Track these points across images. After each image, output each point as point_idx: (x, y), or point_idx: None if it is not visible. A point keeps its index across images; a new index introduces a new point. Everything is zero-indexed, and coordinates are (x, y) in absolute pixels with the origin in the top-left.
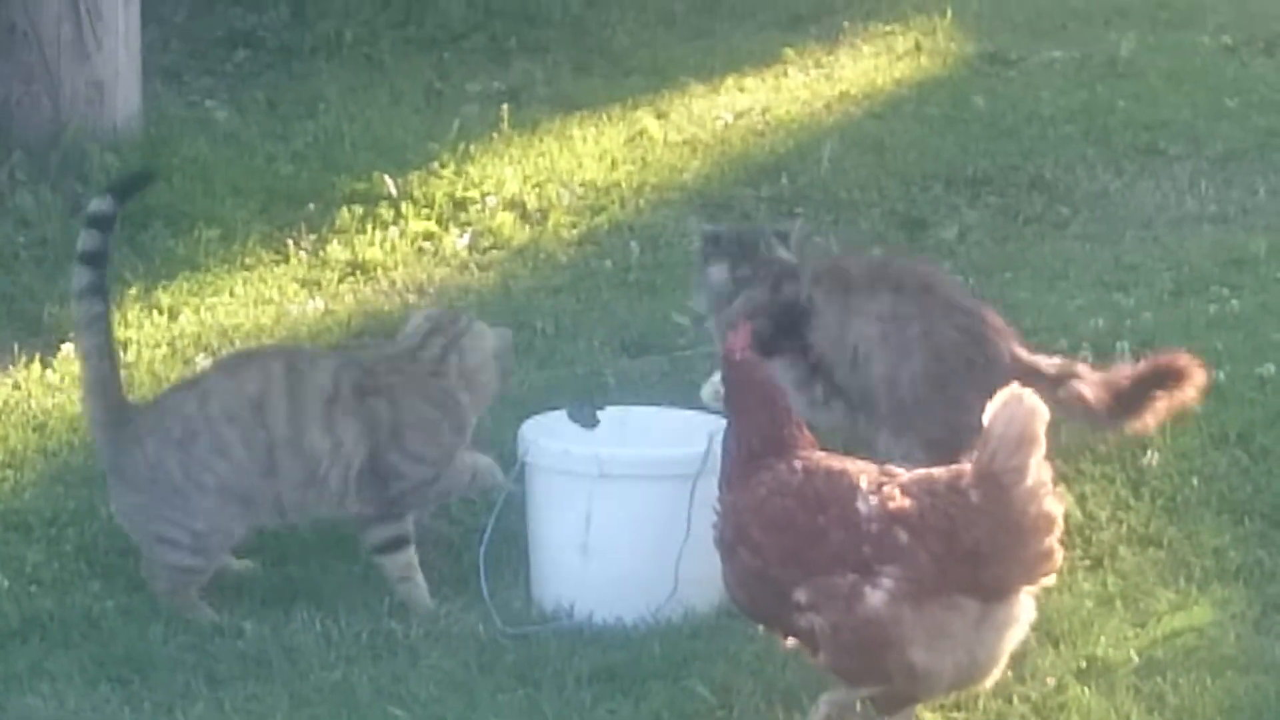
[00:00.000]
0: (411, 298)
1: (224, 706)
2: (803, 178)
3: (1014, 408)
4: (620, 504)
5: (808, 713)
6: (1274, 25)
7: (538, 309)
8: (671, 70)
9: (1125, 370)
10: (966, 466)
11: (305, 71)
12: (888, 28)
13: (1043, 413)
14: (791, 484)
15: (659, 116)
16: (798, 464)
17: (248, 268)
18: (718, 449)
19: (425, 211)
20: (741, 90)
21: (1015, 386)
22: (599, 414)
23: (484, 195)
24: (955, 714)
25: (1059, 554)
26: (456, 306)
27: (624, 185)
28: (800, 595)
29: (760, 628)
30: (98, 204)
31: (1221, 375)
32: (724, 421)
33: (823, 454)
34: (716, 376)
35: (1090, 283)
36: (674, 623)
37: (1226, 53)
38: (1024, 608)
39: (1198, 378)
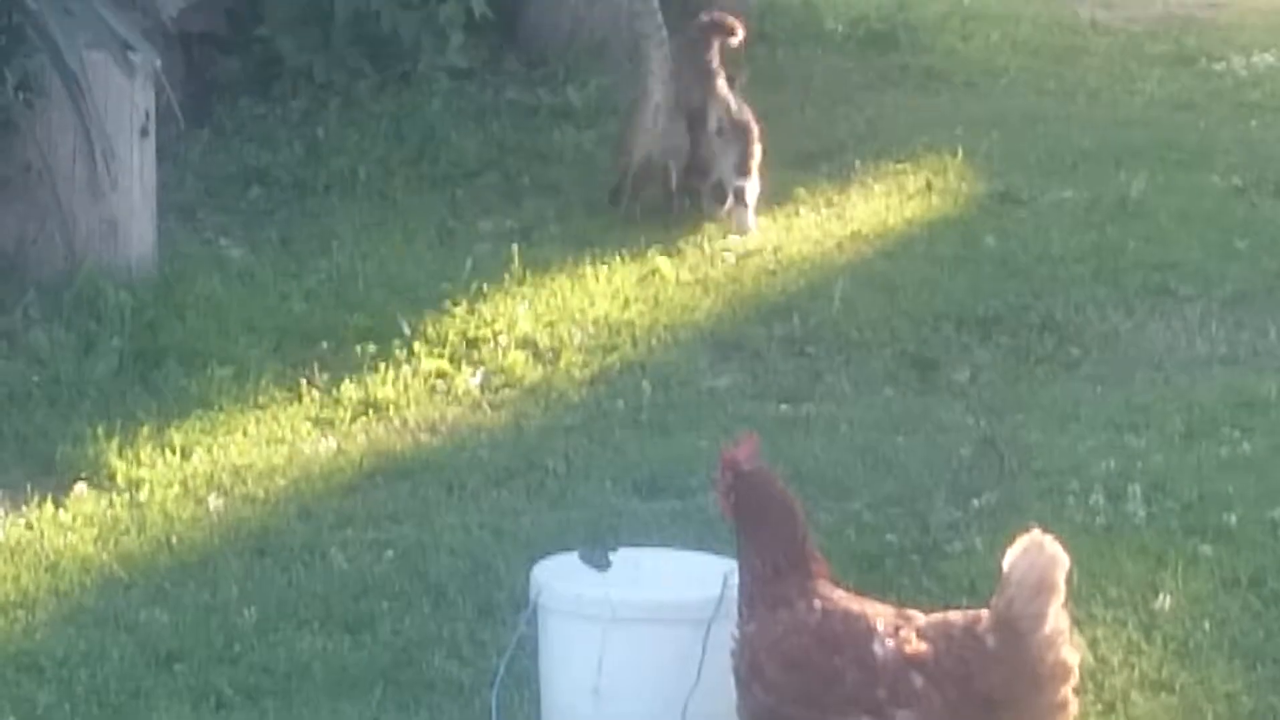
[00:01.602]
0: (424, 437)
1: None
2: (814, 317)
3: (1034, 554)
4: (633, 648)
5: None
6: None
7: (549, 449)
8: (682, 209)
9: None
10: (984, 612)
11: (319, 209)
12: (899, 167)
13: (1063, 560)
14: (809, 623)
15: (671, 255)
16: (816, 603)
17: (260, 406)
18: (732, 592)
19: (438, 350)
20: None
21: (1036, 533)
22: (611, 556)
23: (496, 334)
24: None
25: (1074, 704)
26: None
27: (636, 324)
28: None
29: None
30: None
31: (1233, 519)
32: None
33: (842, 593)
34: None
35: (1101, 424)
36: None
37: (1237, 194)
38: None
39: None
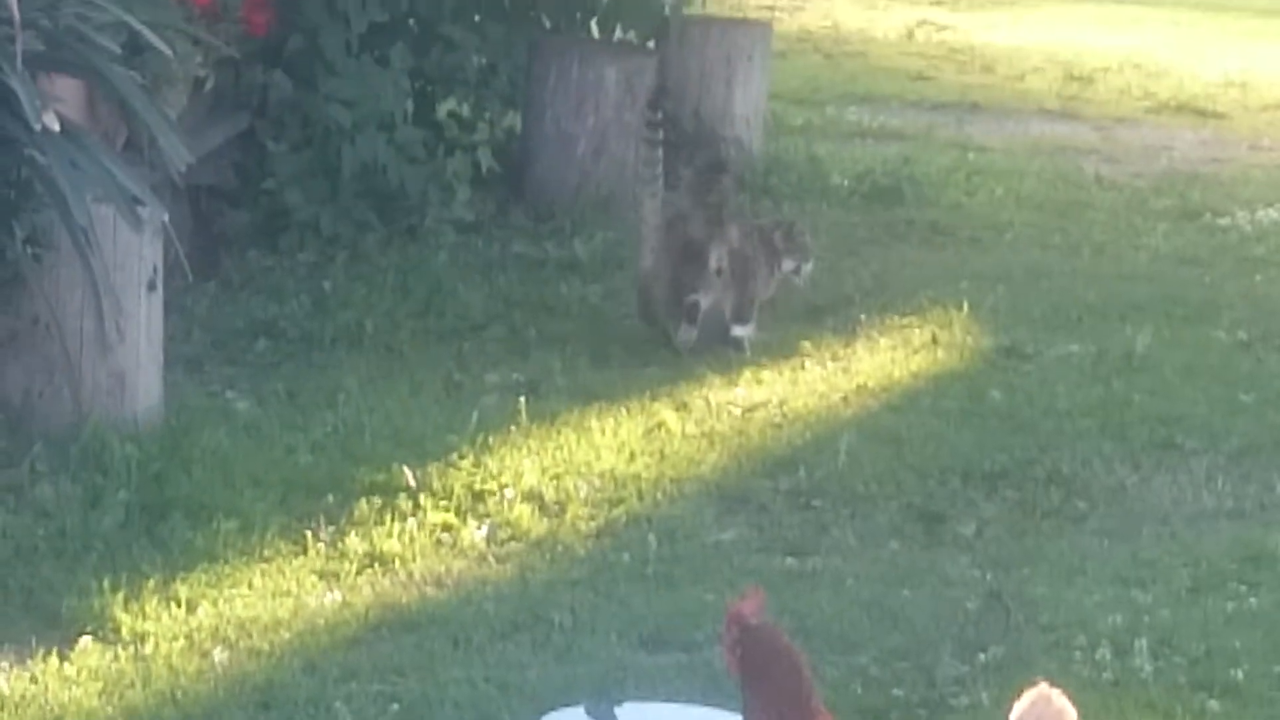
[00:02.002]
0: (429, 590)
1: None
2: (820, 470)
3: (1041, 708)
4: None
5: None
6: None
7: (555, 602)
8: (689, 362)
9: None
10: None
11: (325, 362)
12: (904, 321)
13: (1070, 714)
14: None
15: (677, 408)
16: None
17: (266, 559)
18: None
19: (444, 503)
20: (759, 382)
21: (1043, 687)
22: (617, 710)
23: (502, 487)
24: None
25: None
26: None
27: (642, 477)
28: None
29: None
30: None
31: (1240, 674)
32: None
33: None
34: None
35: (1108, 579)
36: None
37: (1242, 348)
38: None
39: None
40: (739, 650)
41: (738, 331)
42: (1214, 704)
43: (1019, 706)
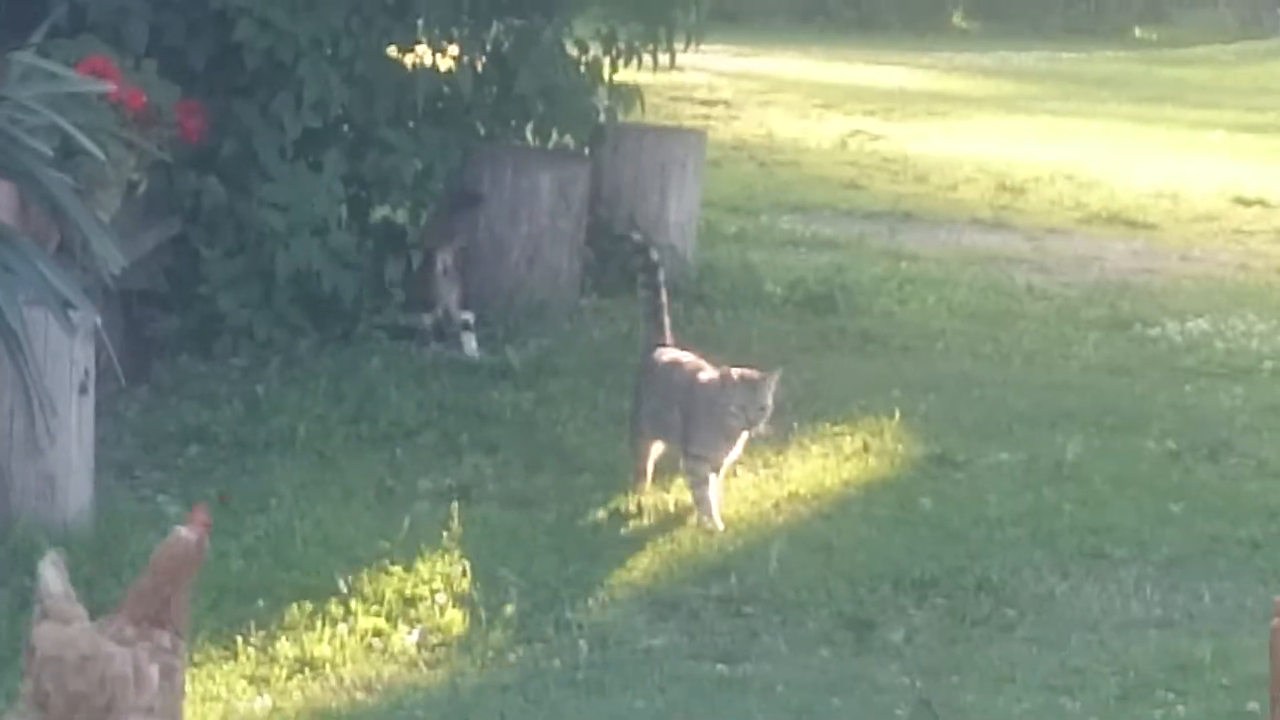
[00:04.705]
0: (360, 695)
1: None
2: (751, 577)
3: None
4: None
5: None
6: (1218, 432)
7: (485, 708)
8: (622, 469)
9: None
10: None
11: (257, 467)
12: (836, 429)
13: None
14: None
15: (609, 514)
16: None
17: (196, 664)
18: None
19: (375, 608)
20: None
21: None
22: None
23: (433, 592)
24: None
25: None
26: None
27: (574, 583)
28: None
29: None
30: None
31: None
32: None
33: None
34: None
35: (1036, 686)
36: None
37: (1171, 458)
38: None
39: None
40: None
41: (465, 314)
42: None
43: None
